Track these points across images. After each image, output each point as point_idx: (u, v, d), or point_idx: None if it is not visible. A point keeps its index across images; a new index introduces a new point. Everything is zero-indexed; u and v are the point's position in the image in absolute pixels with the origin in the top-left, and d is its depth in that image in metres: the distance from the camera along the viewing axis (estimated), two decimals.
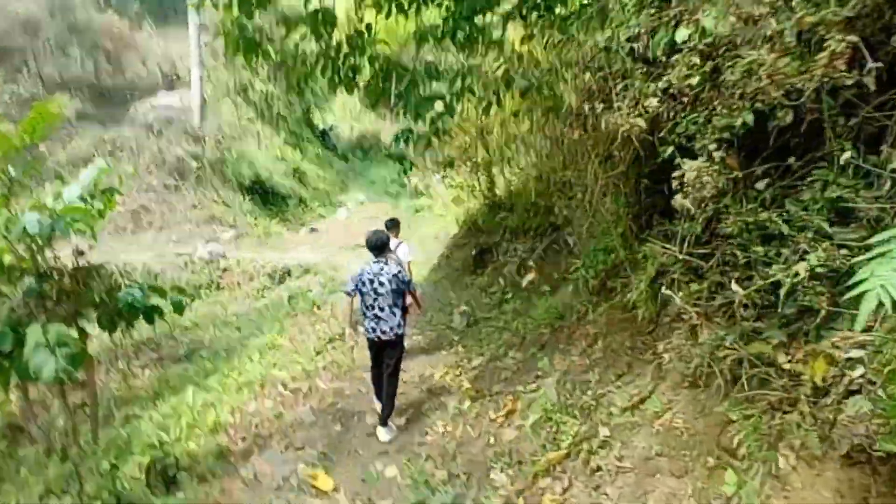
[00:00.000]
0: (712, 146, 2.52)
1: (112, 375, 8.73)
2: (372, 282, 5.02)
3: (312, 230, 18.48)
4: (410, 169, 5.97)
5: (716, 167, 2.45)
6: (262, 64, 21.68)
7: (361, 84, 7.18)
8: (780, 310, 2.50)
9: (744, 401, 2.64)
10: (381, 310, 5.03)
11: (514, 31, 6.24)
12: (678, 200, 2.58)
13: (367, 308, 5.07)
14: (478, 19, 5.37)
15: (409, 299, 5.60)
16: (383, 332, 5.05)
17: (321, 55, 6.15)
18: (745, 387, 2.64)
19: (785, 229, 2.37)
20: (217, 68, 21.06)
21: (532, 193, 7.73)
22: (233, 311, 11.34)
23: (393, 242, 6.42)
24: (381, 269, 5.06)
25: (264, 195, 19.09)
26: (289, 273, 13.58)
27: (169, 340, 9.66)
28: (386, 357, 5.21)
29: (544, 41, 5.43)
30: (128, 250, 13.43)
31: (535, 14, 5.62)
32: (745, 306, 2.69)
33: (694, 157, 2.96)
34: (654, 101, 2.72)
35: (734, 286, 2.50)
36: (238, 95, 21.02)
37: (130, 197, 15.23)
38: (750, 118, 2.44)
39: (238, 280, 13.25)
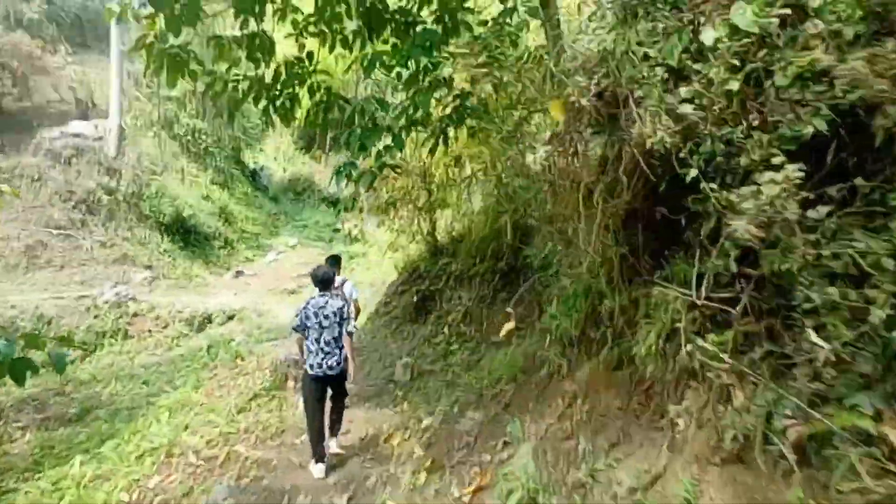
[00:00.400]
0: (776, 160, 2.04)
1: None
2: (317, 315, 4.97)
3: (238, 274, 17.22)
4: (353, 207, 5.45)
5: (790, 186, 1.96)
6: (189, 97, 20.73)
7: (300, 116, 6.58)
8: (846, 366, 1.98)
9: (826, 487, 2.03)
10: (328, 343, 4.96)
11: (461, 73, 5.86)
12: (741, 227, 2.05)
13: (312, 343, 4.94)
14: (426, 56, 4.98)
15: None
16: (330, 367, 4.96)
17: (255, 82, 5.58)
18: (815, 467, 2.07)
19: (890, 264, 1.88)
20: (140, 99, 19.77)
21: (497, 235, 7.25)
22: (141, 363, 10.00)
23: (336, 280, 6.20)
24: (327, 302, 5.04)
25: (186, 235, 17.65)
26: (209, 319, 12.34)
27: (57, 397, 8.24)
28: (330, 391, 5.15)
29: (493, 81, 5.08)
30: (18, 291, 11.76)
31: (484, 55, 5.26)
32: (795, 364, 2.17)
33: (711, 180, 2.49)
34: (688, 108, 2.24)
35: (814, 338, 1.97)
36: (162, 129, 19.70)
37: (26, 231, 13.53)
38: (822, 125, 1.98)
39: (150, 327, 11.84)
